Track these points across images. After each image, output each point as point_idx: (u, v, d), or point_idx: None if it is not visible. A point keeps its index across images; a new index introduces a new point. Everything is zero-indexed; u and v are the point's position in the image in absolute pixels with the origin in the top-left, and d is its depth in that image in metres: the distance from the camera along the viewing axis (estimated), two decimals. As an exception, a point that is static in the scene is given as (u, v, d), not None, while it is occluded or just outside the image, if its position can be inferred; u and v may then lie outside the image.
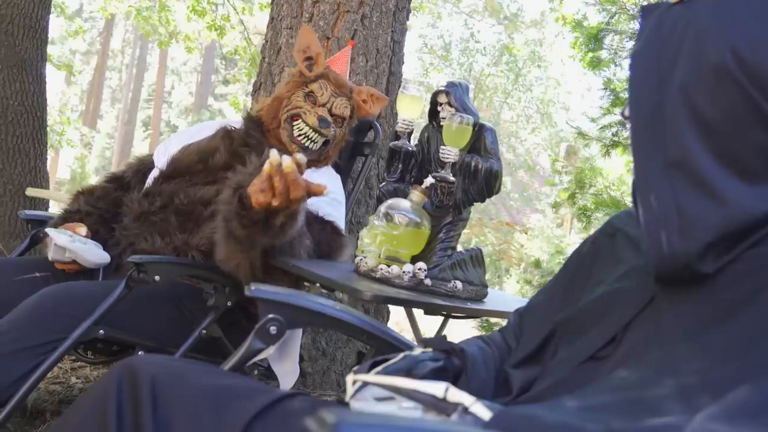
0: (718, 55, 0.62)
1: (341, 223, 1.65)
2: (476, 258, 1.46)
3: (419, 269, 1.35)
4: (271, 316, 0.95)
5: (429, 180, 1.42)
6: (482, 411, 0.59)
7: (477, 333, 3.52)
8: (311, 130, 1.69)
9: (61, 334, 1.33)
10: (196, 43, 7.74)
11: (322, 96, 1.73)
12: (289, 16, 2.57)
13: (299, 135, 1.70)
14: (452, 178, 1.40)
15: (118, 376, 0.79)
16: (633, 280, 0.76)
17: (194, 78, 23.80)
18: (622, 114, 0.72)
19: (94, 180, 17.64)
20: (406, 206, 1.42)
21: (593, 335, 0.74)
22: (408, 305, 1.33)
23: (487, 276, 1.48)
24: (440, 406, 0.61)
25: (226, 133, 1.73)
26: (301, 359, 2.28)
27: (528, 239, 10.54)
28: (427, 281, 1.35)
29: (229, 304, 1.50)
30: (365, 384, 0.72)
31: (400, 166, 1.51)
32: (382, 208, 1.42)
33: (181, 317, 1.51)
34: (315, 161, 1.74)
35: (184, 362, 1.04)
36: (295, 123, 1.71)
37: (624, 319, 0.72)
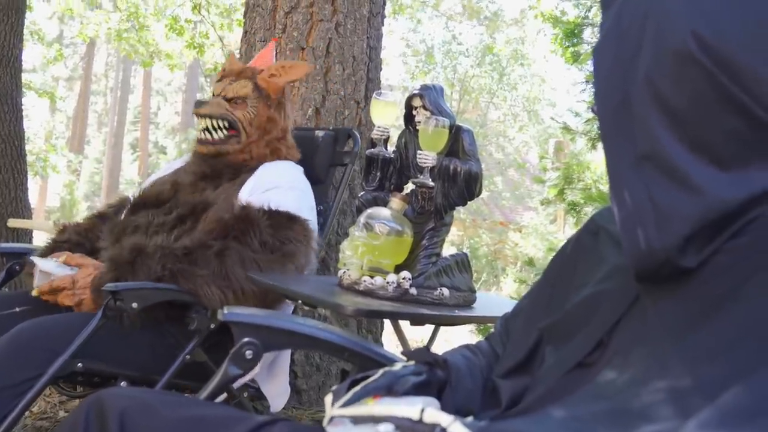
0: (680, 40, 0.59)
1: (300, 210, 1.61)
2: (462, 263, 1.42)
3: (404, 279, 1.32)
4: (246, 339, 0.91)
5: (409, 186, 1.39)
6: (461, 431, 0.56)
7: (473, 336, 3.49)
8: (201, 129, 1.70)
9: (39, 370, 1.29)
10: (178, 62, 7.70)
11: (215, 91, 1.73)
12: (262, 29, 2.55)
13: (197, 135, 1.73)
14: (432, 183, 1.36)
15: (86, 410, 0.77)
16: (616, 280, 0.73)
17: (179, 97, 23.77)
18: (593, 110, 0.70)
19: (84, 206, 17.57)
20: (386, 215, 1.38)
21: (579, 341, 0.72)
22: (392, 317, 1.29)
23: (484, 277, 1.45)
24: (417, 428, 0.58)
25: (186, 167, 1.77)
26: (295, 376, 2.24)
27: (522, 237, 10.52)
28: (413, 290, 1.32)
29: (212, 326, 1.46)
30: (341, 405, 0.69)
31: (378, 174, 1.47)
32: (362, 218, 1.39)
33: (163, 343, 1.46)
34: (242, 152, 1.71)
35: (156, 393, 1.00)
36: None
37: (608, 322, 0.69)
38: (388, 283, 1.31)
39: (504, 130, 16.95)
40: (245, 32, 2.67)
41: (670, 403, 0.52)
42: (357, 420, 0.66)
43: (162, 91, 25.05)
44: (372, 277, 1.33)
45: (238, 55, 2.77)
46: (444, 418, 0.57)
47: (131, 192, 1.82)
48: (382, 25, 2.73)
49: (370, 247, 1.34)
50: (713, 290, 0.59)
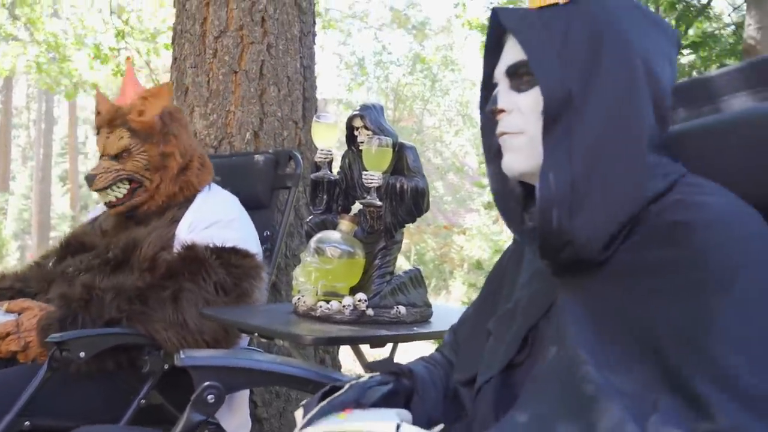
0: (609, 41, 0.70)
1: (246, 241, 1.59)
2: (416, 278, 1.43)
3: (360, 300, 1.31)
4: (206, 384, 0.88)
5: (356, 207, 1.38)
6: None
7: (432, 346, 3.51)
8: (98, 193, 1.65)
9: (-18, 433, 1.22)
10: (104, 91, 7.46)
11: (98, 148, 1.68)
12: (192, 54, 2.50)
13: (104, 201, 1.67)
14: (379, 203, 1.36)
15: None
16: (541, 282, 0.79)
17: (108, 125, 23.00)
18: (491, 109, 0.78)
19: (14, 246, 16.75)
20: (336, 238, 1.38)
21: (509, 343, 0.77)
22: (353, 343, 1.29)
23: (434, 282, 1.46)
24: None
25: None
26: (255, 406, 2.19)
27: (467, 240, 10.66)
28: (370, 311, 1.31)
29: (166, 367, 1.41)
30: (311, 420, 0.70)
31: (324, 196, 1.46)
32: (312, 243, 1.37)
33: (115, 390, 1.41)
34: (152, 197, 1.65)
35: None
36: None
37: (530, 321, 0.75)
38: (344, 306, 1.30)
39: (440, 136, 17.16)
40: (174, 59, 2.61)
41: (602, 388, 0.60)
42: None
43: (89, 120, 24.21)
44: (328, 301, 1.32)
45: (168, 80, 2.71)
46: None
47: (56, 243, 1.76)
48: (314, 43, 2.72)
49: (323, 271, 1.32)
50: (613, 287, 0.67)
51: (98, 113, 1.71)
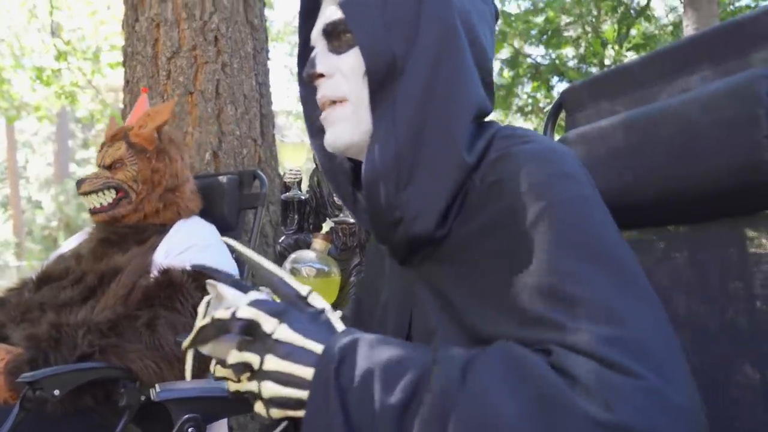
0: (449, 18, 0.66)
1: (223, 265, 1.57)
2: (391, 292, 1.44)
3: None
4: (186, 417, 0.87)
5: (328, 225, 1.39)
6: (337, 322, 0.60)
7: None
8: (85, 198, 1.69)
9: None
10: (47, 114, 7.23)
11: (96, 160, 1.74)
12: (145, 76, 2.46)
13: (86, 205, 1.70)
14: (352, 219, 1.37)
15: None
16: (399, 277, 0.76)
17: (49, 147, 22.32)
18: (309, 75, 0.72)
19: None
20: (311, 257, 1.38)
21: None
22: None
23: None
24: (299, 303, 0.60)
25: (89, 237, 1.73)
26: (231, 429, 2.17)
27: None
28: (348, 329, 1.32)
29: (143, 398, 1.38)
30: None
31: (296, 216, 1.47)
32: (287, 264, 1.37)
33: (92, 427, 1.38)
34: (137, 210, 1.68)
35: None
36: None
37: (405, 320, 0.73)
38: (323, 325, 1.30)
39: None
40: (127, 81, 2.57)
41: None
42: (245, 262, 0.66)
43: (29, 143, 23.40)
44: (306, 322, 1.32)
45: (122, 106, 2.67)
46: (328, 306, 0.61)
47: (32, 273, 1.70)
48: (268, 59, 2.72)
49: (300, 292, 1.33)
50: (458, 263, 0.65)
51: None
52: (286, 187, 1.47)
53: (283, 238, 1.47)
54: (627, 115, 0.89)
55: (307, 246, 1.43)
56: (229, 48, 2.47)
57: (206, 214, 1.80)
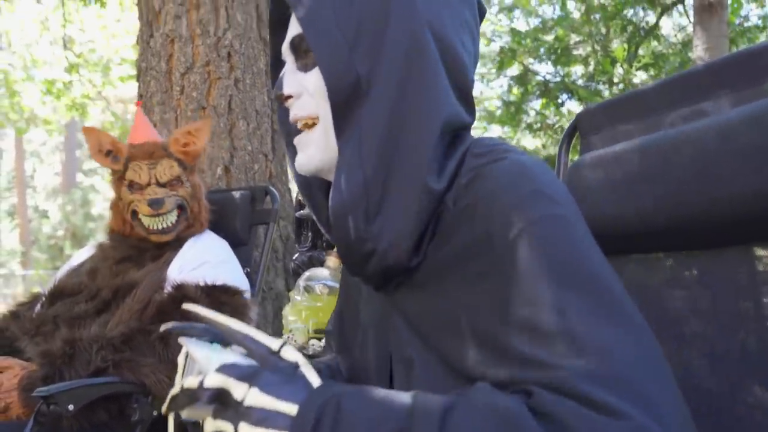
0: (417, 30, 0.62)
1: (236, 281, 1.60)
2: (403, 310, 1.45)
3: (350, 336, 1.33)
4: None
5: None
6: (312, 376, 0.56)
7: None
8: (151, 218, 1.66)
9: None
10: (57, 127, 7.29)
11: (140, 178, 1.69)
12: (159, 91, 2.49)
13: (149, 225, 1.67)
14: (365, 238, 1.39)
15: None
16: (375, 302, 0.74)
17: (57, 157, 22.46)
18: (277, 96, 0.69)
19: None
20: (324, 275, 1.39)
21: (378, 380, 0.73)
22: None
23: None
24: (271, 360, 0.57)
25: (101, 253, 1.72)
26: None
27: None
28: (361, 347, 1.33)
29: (155, 413, 1.39)
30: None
31: (309, 234, 1.48)
32: (301, 281, 1.39)
33: (103, 441, 1.38)
34: (190, 226, 1.72)
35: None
36: (139, 218, 1.68)
37: (383, 353, 0.71)
38: (336, 343, 1.31)
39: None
40: (140, 95, 2.60)
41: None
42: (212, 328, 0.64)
43: (37, 153, 23.56)
44: (319, 339, 1.33)
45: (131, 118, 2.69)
46: (301, 358, 0.57)
47: (43, 287, 1.71)
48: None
49: (314, 309, 1.34)
50: (433, 290, 0.62)
51: (114, 150, 1.73)
52: (301, 205, 1.48)
53: (296, 255, 1.49)
54: (643, 140, 0.90)
55: (321, 263, 1.44)
56: (242, 64, 2.50)
57: (219, 228, 1.82)
